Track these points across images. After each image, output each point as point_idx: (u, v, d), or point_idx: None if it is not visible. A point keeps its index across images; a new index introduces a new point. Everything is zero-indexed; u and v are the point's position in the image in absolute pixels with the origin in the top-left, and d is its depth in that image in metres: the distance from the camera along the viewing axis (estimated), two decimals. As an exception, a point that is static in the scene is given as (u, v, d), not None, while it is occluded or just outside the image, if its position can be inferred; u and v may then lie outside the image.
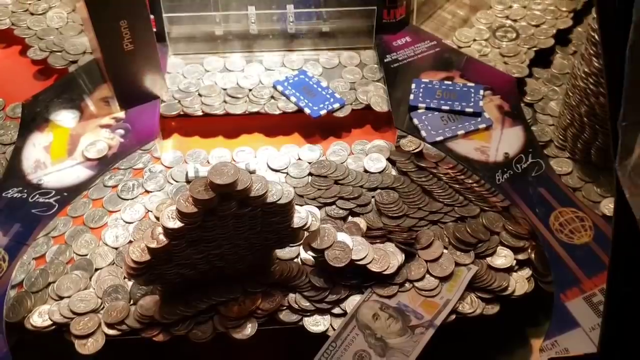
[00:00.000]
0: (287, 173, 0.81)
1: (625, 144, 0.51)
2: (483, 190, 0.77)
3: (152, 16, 0.84)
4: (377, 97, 0.87)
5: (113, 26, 0.76)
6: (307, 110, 0.84)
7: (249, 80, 0.89)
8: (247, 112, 0.85)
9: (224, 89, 0.88)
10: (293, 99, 0.86)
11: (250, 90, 0.88)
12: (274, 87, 0.88)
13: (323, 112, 0.84)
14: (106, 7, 0.75)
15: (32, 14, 0.98)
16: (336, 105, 0.85)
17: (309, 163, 0.82)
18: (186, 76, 0.90)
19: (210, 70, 0.91)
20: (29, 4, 0.99)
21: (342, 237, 0.70)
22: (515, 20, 0.99)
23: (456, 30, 0.98)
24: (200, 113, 0.85)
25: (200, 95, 0.87)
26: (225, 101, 0.87)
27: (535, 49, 0.95)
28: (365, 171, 0.81)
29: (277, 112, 0.85)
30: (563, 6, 1.00)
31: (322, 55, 0.93)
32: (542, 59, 0.95)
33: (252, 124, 0.87)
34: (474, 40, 0.96)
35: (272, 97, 0.87)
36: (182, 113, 0.85)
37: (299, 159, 0.83)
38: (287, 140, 0.86)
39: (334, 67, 0.92)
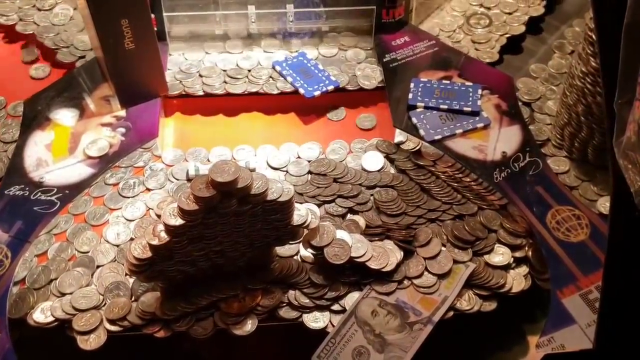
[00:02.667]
0: (286, 171, 0.81)
1: (621, 121, 0.52)
2: (481, 188, 0.78)
3: (152, 15, 0.85)
4: (367, 78, 0.89)
5: (114, 25, 0.77)
6: (301, 91, 0.87)
7: (248, 61, 0.92)
8: (246, 91, 0.88)
9: (224, 70, 0.90)
10: (289, 79, 0.88)
11: (249, 71, 0.90)
12: (273, 67, 0.91)
13: (317, 93, 0.86)
14: (107, 6, 0.75)
15: (39, 9, 0.99)
16: (330, 88, 0.87)
17: (309, 161, 0.82)
18: (187, 58, 0.93)
19: (211, 53, 0.93)
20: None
21: (341, 234, 0.71)
22: (488, 8, 1.01)
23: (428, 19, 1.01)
24: (201, 93, 0.88)
25: (201, 75, 0.90)
26: (225, 81, 0.89)
27: (507, 35, 0.97)
28: (364, 169, 0.82)
29: (276, 91, 0.88)
30: None
31: (322, 46, 0.95)
32: (513, 46, 0.97)
33: (251, 104, 0.89)
34: (454, 31, 0.99)
35: (271, 77, 0.90)
36: (183, 93, 0.88)
37: (299, 157, 0.83)
38: (284, 119, 0.88)
39: (332, 56, 0.94)
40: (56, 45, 0.95)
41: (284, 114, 0.89)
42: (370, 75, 0.90)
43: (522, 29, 0.98)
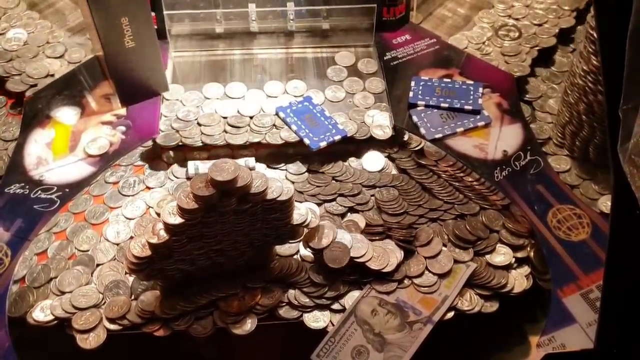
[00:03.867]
0: (286, 170, 0.81)
1: (626, 127, 0.52)
2: (483, 188, 0.78)
3: (152, 13, 0.85)
4: (380, 128, 0.83)
5: (114, 23, 0.77)
6: (306, 141, 0.80)
7: (250, 107, 0.85)
8: (248, 142, 0.81)
9: (224, 117, 0.84)
10: (294, 127, 0.81)
11: (251, 118, 0.83)
12: (277, 113, 0.84)
13: (323, 144, 0.80)
14: (108, 4, 0.75)
15: None
16: (337, 137, 0.80)
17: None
18: (185, 104, 0.85)
19: (210, 98, 0.87)
20: None
21: (341, 234, 0.70)
22: (517, 19, 0.99)
23: (459, 31, 0.97)
24: (199, 144, 0.81)
25: (199, 124, 0.83)
26: (225, 131, 0.82)
27: (537, 48, 0.94)
28: (365, 168, 0.82)
29: (279, 142, 0.81)
30: (565, 5, 1.00)
31: (328, 89, 0.89)
32: (544, 58, 0.95)
33: (252, 153, 0.83)
34: (483, 43, 0.96)
35: (274, 125, 0.83)
36: (180, 144, 0.81)
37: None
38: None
39: (339, 100, 0.87)
40: (7, 72, 0.89)
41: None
42: (383, 125, 0.82)
43: (553, 41, 0.95)
